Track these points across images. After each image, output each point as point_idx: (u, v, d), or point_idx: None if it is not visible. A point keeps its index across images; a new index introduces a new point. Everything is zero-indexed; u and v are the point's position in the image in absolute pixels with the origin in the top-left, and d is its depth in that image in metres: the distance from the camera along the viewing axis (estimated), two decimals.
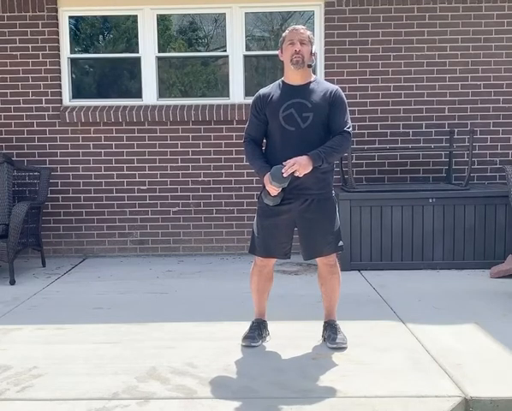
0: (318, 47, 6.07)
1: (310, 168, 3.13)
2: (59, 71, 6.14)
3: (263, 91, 3.40)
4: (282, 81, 3.37)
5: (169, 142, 6.14)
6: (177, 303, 4.45)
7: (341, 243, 3.42)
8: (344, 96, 3.35)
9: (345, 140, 3.26)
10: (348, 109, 3.35)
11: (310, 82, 3.32)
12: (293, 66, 3.25)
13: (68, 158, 6.15)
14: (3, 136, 6.13)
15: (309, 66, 3.30)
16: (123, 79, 6.53)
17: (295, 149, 3.19)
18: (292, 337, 3.59)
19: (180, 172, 6.16)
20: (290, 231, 3.38)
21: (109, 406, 2.72)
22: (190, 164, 6.16)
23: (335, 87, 3.35)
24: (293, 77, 3.31)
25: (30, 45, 6.04)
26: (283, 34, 3.36)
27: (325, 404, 2.72)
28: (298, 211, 3.30)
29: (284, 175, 3.09)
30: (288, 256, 3.44)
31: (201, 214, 6.20)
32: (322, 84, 3.37)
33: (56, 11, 6.08)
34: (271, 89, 3.37)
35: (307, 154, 3.14)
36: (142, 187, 6.19)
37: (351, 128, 3.30)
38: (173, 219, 6.21)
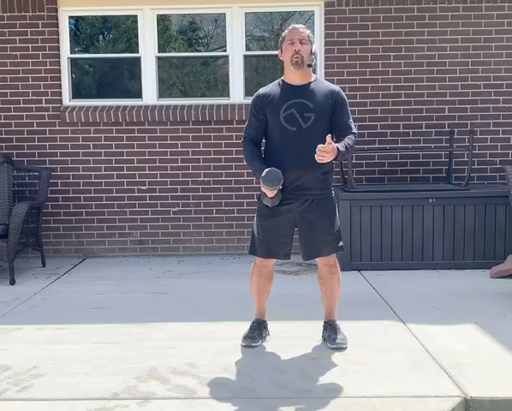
0: (318, 47, 6.07)
1: (333, 157, 3.08)
2: (59, 71, 6.14)
3: (262, 90, 3.39)
4: (282, 81, 3.36)
5: (169, 142, 6.14)
6: (177, 303, 4.45)
7: (341, 243, 3.41)
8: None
9: (355, 142, 3.30)
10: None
11: (310, 82, 3.31)
12: (292, 66, 3.24)
13: (68, 158, 6.15)
14: (3, 136, 6.13)
15: (309, 65, 3.29)
16: (123, 79, 6.53)
17: (296, 149, 3.20)
18: (292, 337, 3.59)
19: (180, 172, 6.16)
20: (290, 231, 3.38)
21: (109, 406, 2.72)
22: (190, 164, 6.16)
23: (337, 88, 3.35)
24: (293, 77, 3.30)
25: (30, 45, 6.04)
26: (283, 34, 3.34)
27: (325, 404, 2.72)
28: (298, 212, 3.29)
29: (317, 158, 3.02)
30: (288, 256, 3.44)
31: (201, 214, 6.20)
32: (323, 84, 3.37)
33: (56, 11, 6.08)
34: (271, 88, 3.36)
35: (337, 145, 3.09)
36: (142, 187, 6.19)
37: (356, 130, 3.35)
38: (173, 219, 6.21)
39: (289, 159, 3.22)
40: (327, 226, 3.33)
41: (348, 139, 3.23)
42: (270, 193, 3.17)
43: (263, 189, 3.19)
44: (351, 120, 3.34)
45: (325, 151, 3.01)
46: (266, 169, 3.14)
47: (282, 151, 3.24)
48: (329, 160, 3.07)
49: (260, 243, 3.38)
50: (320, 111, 3.23)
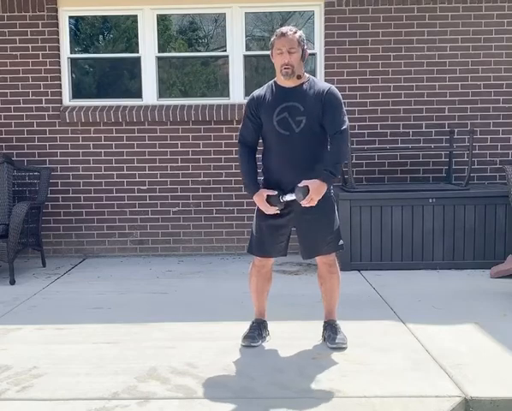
0: (318, 47, 6.07)
1: (324, 190, 3.15)
2: (59, 71, 6.14)
3: (256, 93, 3.35)
4: (275, 82, 3.32)
5: (169, 142, 6.14)
6: (177, 303, 4.45)
7: (341, 242, 3.42)
8: (339, 94, 3.26)
9: (342, 142, 3.22)
10: (343, 106, 3.26)
11: (303, 83, 3.26)
12: (283, 77, 3.21)
13: (68, 158, 6.15)
14: (3, 136, 6.13)
15: (298, 77, 3.23)
16: (123, 79, 6.53)
17: (291, 153, 3.21)
18: (292, 337, 3.59)
19: (180, 172, 6.16)
20: (288, 231, 3.39)
21: (109, 406, 2.72)
22: (190, 164, 6.16)
23: (327, 86, 3.27)
24: (284, 81, 3.26)
25: (30, 45, 6.04)
26: (272, 39, 3.25)
27: (325, 404, 2.72)
28: (297, 213, 3.28)
29: (304, 203, 3.13)
30: (284, 254, 3.45)
31: (201, 214, 6.20)
32: (315, 84, 3.28)
33: (56, 11, 6.08)
34: (265, 91, 3.32)
35: (320, 179, 3.13)
36: (142, 187, 6.19)
37: (346, 124, 3.22)
38: (173, 219, 6.21)
39: (285, 162, 3.22)
40: (326, 225, 3.33)
41: (333, 155, 3.19)
42: (271, 212, 3.23)
43: (264, 208, 3.24)
44: (341, 118, 3.20)
45: (310, 201, 3.11)
46: (276, 193, 3.18)
47: (278, 155, 3.25)
48: (320, 196, 3.14)
49: (258, 242, 3.38)
50: (311, 114, 3.19)
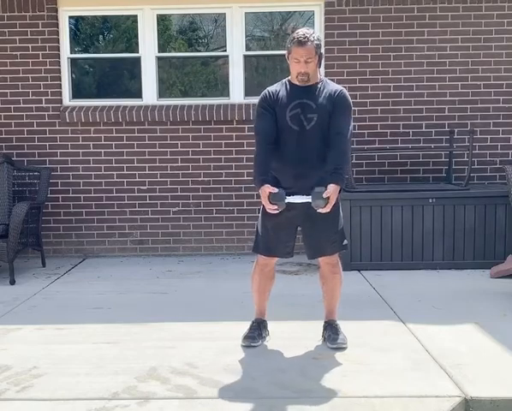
0: None
1: (337, 194, 3.19)
2: (59, 71, 6.14)
3: (271, 88, 3.35)
4: (289, 81, 3.34)
5: (169, 142, 6.14)
6: (177, 303, 4.45)
7: (345, 242, 3.43)
8: (349, 98, 3.29)
9: (343, 144, 3.22)
10: (351, 111, 3.28)
11: (317, 83, 3.28)
12: (298, 82, 3.24)
13: (68, 158, 6.15)
14: (3, 136, 6.12)
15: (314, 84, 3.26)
16: (123, 79, 6.53)
17: (298, 148, 3.21)
18: (292, 337, 3.59)
19: (180, 172, 6.16)
20: (293, 230, 3.39)
21: (109, 406, 2.72)
22: (190, 164, 6.15)
23: (339, 88, 3.30)
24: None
25: (30, 45, 6.04)
26: (289, 44, 3.21)
27: (326, 404, 2.72)
28: (302, 211, 3.29)
29: (322, 211, 3.14)
30: (291, 255, 3.45)
31: (201, 214, 6.20)
32: (328, 85, 3.30)
33: (56, 11, 6.07)
34: (279, 88, 3.33)
35: (334, 183, 3.14)
36: (142, 187, 6.19)
37: (349, 129, 3.23)
38: (173, 219, 6.21)
39: (292, 158, 3.23)
40: (331, 225, 3.33)
41: (338, 160, 3.18)
42: (273, 211, 3.20)
43: (267, 205, 3.21)
44: (345, 121, 3.23)
45: (328, 205, 3.12)
46: (281, 191, 3.16)
47: (285, 150, 3.25)
48: (336, 196, 3.17)
49: (263, 241, 3.38)
50: (322, 113, 3.22)
